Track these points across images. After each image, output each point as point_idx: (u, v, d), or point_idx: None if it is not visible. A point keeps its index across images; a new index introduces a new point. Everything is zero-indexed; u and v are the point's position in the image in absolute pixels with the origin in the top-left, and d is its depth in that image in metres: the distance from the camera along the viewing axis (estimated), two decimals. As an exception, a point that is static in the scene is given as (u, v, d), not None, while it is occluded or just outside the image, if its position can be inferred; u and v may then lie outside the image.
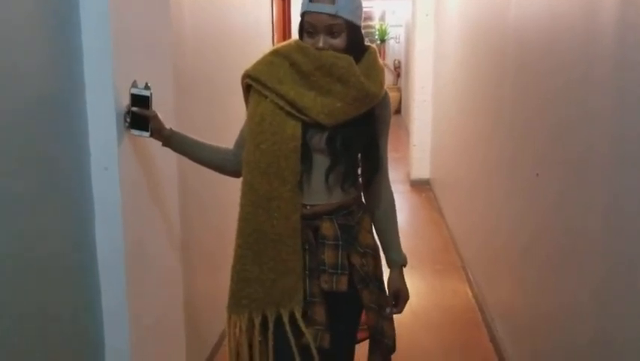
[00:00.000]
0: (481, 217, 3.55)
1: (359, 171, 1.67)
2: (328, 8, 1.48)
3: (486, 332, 3.04)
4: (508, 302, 2.78)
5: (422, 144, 6.37)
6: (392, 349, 1.74)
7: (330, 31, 1.50)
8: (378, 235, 1.75)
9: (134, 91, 1.53)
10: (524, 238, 2.51)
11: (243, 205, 1.58)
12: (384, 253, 1.76)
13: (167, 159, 1.81)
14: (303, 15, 1.53)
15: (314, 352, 1.57)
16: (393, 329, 1.74)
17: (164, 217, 1.85)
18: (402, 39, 11.06)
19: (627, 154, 1.49)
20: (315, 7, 1.49)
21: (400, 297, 1.75)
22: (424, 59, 6.36)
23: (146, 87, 1.54)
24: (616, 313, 1.55)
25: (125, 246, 1.54)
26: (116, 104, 1.48)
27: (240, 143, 1.66)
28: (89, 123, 1.47)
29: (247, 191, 1.57)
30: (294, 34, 4.75)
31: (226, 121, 2.85)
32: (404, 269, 1.77)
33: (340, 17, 1.49)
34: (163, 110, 1.65)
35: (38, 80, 1.30)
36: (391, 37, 11.61)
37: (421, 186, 6.21)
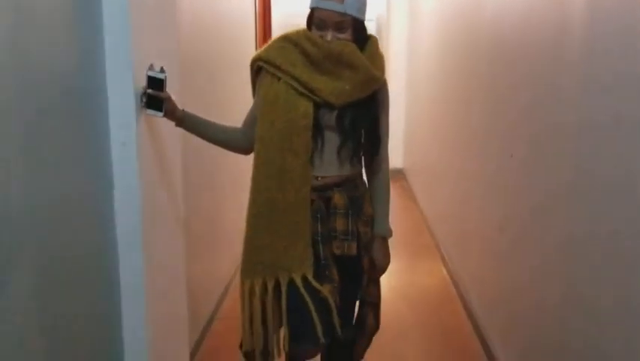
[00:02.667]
0: (453, 199, 3.75)
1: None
2: (338, 7, 1.62)
3: (461, 304, 3.25)
4: (480, 275, 2.97)
5: (395, 135, 6.49)
6: (377, 305, 1.91)
7: (338, 27, 1.65)
8: None
9: (151, 73, 1.64)
10: (495, 216, 2.70)
11: (256, 178, 1.72)
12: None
13: (173, 139, 1.94)
14: (312, 9, 1.67)
15: (332, 305, 1.70)
16: (377, 289, 1.91)
17: (171, 193, 1.97)
18: (373, 33, 11.25)
19: (591, 135, 1.66)
20: (325, 5, 1.63)
21: (375, 265, 1.85)
22: (397, 52, 6.55)
23: (162, 70, 1.66)
24: (582, 279, 1.72)
25: (142, 216, 1.65)
26: (134, 85, 1.59)
27: (249, 122, 1.80)
28: (109, 102, 1.58)
29: (261, 165, 1.70)
30: (274, 27, 4.85)
31: (218, 101, 3.00)
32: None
33: (348, 15, 1.63)
34: (171, 91, 1.77)
35: (62, 62, 1.39)
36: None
37: (394, 175, 6.33)
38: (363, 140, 1.79)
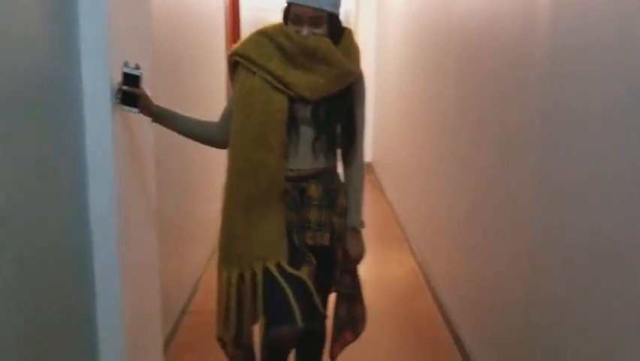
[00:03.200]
0: (423, 193, 3.80)
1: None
2: (313, 2, 1.65)
3: (431, 295, 3.32)
4: (450, 268, 3.03)
5: (363, 129, 6.59)
6: (353, 297, 1.96)
7: (314, 22, 1.68)
8: None
9: (126, 70, 1.64)
10: (464, 209, 2.76)
11: (231, 171, 1.73)
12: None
13: (146, 131, 1.94)
14: (289, 4, 1.69)
15: (311, 287, 1.73)
16: (353, 280, 1.95)
17: (145, 186, 1.97)
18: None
19: (555, 129, 1.70)
20: (301, 0, 1.65)
21: (348, 256, 1.88)
22: (366, 47, 6.59)
23: (137, 67, 1.66)
24: (548, 272, 1.75)
25: (117, 208, 1.65)
26: (109, 77, 1.58)
27: (226, 116, 1.81)
28: (84, 94, 1.57)
29: (236, 158, 1.72)
30: (243, 22, 4.83)
31: (188, 96, 3.00)
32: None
33: (324, 10, 1.66)
34: (146, 87, 1.77)
35: (37, 53, 1.39)
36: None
37: (363, 169, 6.46)
38: (338, 132, 1.82)
